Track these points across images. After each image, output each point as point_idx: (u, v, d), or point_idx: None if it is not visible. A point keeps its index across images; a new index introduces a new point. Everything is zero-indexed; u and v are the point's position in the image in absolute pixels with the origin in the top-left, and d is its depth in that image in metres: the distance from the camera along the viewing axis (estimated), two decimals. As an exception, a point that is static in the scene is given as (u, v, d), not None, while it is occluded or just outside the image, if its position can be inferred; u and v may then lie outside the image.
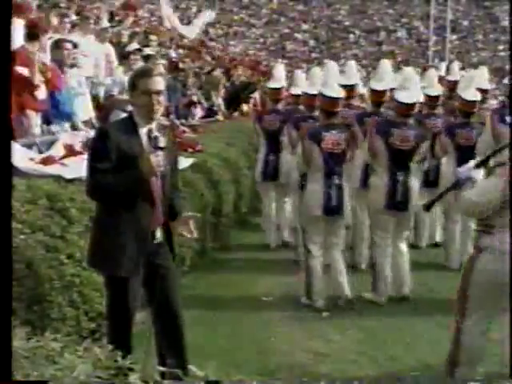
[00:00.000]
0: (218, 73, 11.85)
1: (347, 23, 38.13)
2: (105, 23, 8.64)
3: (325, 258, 5.16)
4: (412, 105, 5.22)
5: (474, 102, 6.10)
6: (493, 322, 3.41)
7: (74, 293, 3.38)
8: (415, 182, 5.31)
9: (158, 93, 3.04)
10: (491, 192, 3.29)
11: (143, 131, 3.07)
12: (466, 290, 3.35)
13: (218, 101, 10.91)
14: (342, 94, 5.22)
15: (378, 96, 5.91)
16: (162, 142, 2.99)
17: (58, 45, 6.05)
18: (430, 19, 30.48)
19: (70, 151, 5.04)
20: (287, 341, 4.40)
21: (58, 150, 5.11)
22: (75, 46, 6.29)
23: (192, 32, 14.72)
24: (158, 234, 3.10)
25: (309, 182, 5.14)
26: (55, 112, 5.82)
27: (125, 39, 8.85)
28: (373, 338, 4.42)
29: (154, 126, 3.08)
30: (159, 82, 3.07)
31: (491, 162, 3.43)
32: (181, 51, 12.45)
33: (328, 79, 5.44)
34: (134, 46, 8.30)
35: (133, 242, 3.02)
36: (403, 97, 4.41)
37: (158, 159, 2.96)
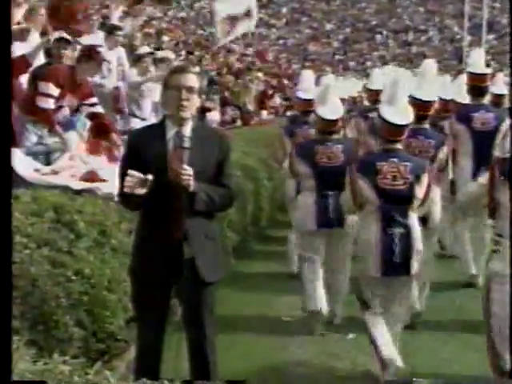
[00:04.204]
0: (231, 77, 11.95)
1: (374, 22, 38.15)
2: (115, 21, 8.68)
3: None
4: (335, 121, 5.05)
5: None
6: None
7: (81, 312, 3.40)
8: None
9: (189, 89, 3.08)
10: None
11: (170, 134, 3.13)
12: None
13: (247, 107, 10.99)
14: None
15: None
16: (187, 142, 3.04)
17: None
18: (463, 17, 30.34)
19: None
20: (307, 364, 4.39)
21: (63, 162, 5.17)
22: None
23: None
24: (186, 248, 3.10)
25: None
26: (62, 121, 5.88)
27: (137, 41, 8.93)
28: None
29: (184, 127, 3.12)
30: (191, 79, 3.11)
31: None
32: (197, 53, 12.54)
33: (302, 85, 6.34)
34: (145, 48, 8.39)
35: (154, 250, 3.11)
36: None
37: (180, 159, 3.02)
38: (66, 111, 5.73)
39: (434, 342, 4.77)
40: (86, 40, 6.32)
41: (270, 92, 15.99)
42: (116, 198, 3.53)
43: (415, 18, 37.90)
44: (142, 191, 2.96)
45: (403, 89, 4.26)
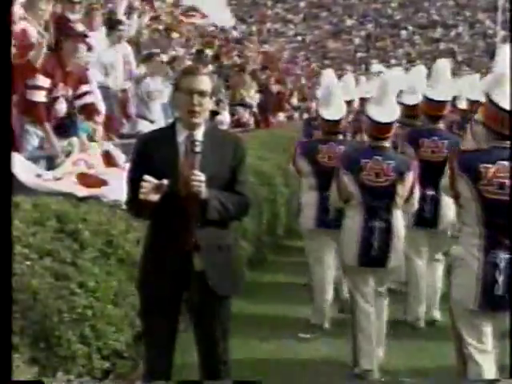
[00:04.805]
0: (246, 75, 11.98)
1: (398, 17, 38.15)
2: (120, 17, 8.71)
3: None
4: (337, 121, 5.46)
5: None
6: None
7: (85, 327, 3.41)
8: None
9: (201, 93, 3.12)
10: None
11: (181, 138, 3.15)
12: None
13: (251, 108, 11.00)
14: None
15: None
16: (199, 147, 3.07)
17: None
18: (496, 11, 30.26)
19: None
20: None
21: (67, 167, 5.20)
22: (90, 48, 6.34)
23: None
24: (197, 260, 3.11)
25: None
26: (67, 124, 5.91)
27: (144, 39, 8.98)
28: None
29: (196, 131, 3.15)
30: (203, 82, 3.15)
31: None
32: (208, 51, 12.59)
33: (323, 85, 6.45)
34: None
35: (163, 262, 3.13)
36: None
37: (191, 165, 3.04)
38: (62, 103, 5.71)
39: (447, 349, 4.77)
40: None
41: (288, 93, 16.01)
42: (124, 206, 3.55)
43: (443, 12, 37.81)
44: (155, 198, 2.98)
45: (392, 88, 4.80)
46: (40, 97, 5.38)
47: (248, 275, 6.09)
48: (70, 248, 3.69)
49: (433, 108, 5.53)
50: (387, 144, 4.66)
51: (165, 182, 2.98)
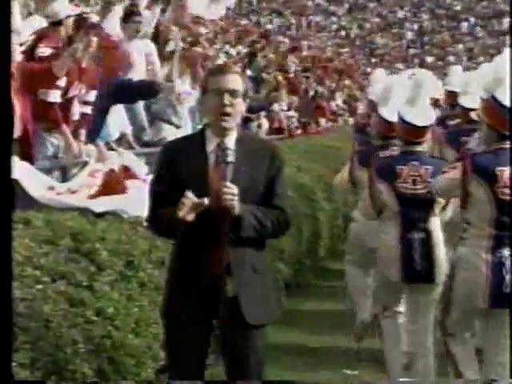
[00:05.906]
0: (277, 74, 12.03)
1: (458, 7, 37.93)
2: (141, 10, 8.79)
3: None
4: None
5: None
6: None
7: (103, 360, 3.43)
8: None
9: (232, 93, 3.14)
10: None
11: (211, 147, 3.17)
12: None
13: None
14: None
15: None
16: (231, 156, 3.09)
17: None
18: None
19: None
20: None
21: (82, 178, 5.25)
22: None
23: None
24: (229, 284, 3.11)
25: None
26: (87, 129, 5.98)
27: (171, 35, 9.01)
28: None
29: (227, 138, 3.17)
30: (234, 81, 3.17)
31: None
32: (240, 47, 12.67)
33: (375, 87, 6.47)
34: (178, 43, 8.48)
35: (191, 286, 3.13)
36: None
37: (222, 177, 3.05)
38: (75, 104, 5.75)
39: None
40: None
41: (327, 93, 16.00)
42: (144, 223, 3.56)
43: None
44: (192, 217, 3.00)
45: (426, 89, 4.89)
46: (55, 97, 5.43)
47: (286, 301, 6.11)
48: (86, 270, 3.71)
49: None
50: (423, 148, 4.78)
51: (205, 200, 2.99)
